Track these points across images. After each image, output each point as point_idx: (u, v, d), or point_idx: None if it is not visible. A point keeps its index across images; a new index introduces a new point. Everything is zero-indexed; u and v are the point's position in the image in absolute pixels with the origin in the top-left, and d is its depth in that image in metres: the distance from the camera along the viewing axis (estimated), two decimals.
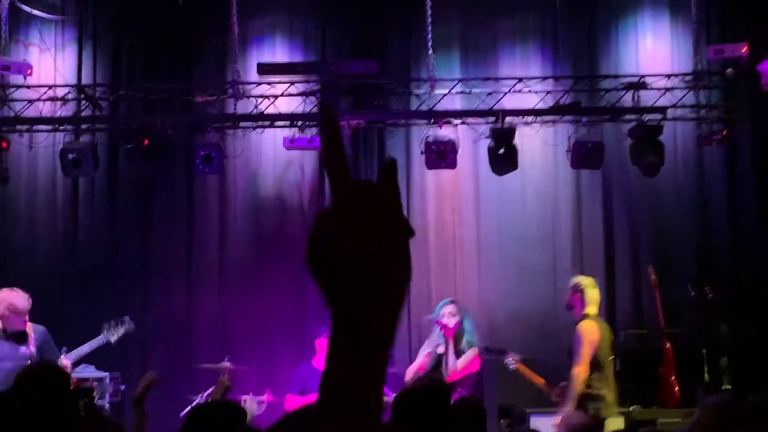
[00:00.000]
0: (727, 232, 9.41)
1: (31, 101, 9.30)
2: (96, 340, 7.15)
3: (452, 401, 5.27)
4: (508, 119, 9.00)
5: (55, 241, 9.79)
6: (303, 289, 9.50)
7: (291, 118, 9.27)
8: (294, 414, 1.75)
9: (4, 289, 6.89)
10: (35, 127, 9.37)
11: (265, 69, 9.32)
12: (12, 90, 9.40)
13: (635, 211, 9.56)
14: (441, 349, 7.22)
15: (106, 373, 8.65)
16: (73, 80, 9.68)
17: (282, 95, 9.31)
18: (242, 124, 9.40)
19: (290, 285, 9.49)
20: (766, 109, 8.78)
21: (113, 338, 7.22)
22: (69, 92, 9.43)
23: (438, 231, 9.69)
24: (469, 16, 9.75)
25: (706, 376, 8.29)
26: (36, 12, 9.60)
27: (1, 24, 9.20)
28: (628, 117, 9.12)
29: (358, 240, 1.35)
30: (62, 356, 6.86)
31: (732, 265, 9.26)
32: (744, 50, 8.72)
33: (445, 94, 9.23)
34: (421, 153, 9.05)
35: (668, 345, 8.54)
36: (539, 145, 9.32)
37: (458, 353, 7.02)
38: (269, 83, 9.34)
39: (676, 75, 9.26)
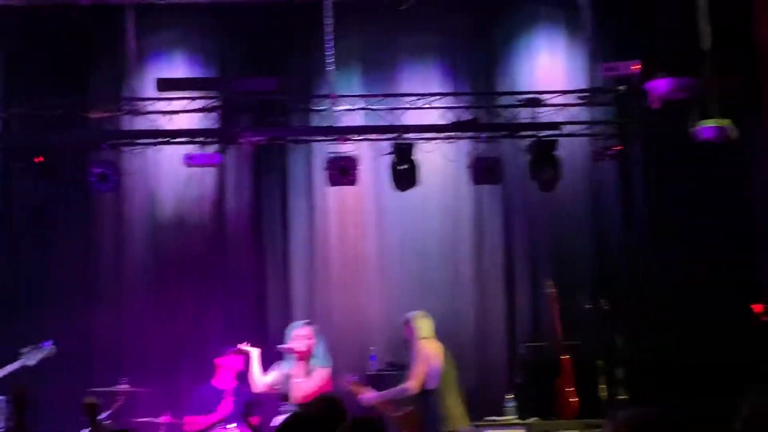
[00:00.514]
0: (621, 245, 9.63)
1: None
2: (14, 363, 6.95)
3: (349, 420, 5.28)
4: (408, 135, 9.06)
5: None
6: (203, 308, 9.40)
7: (190, 134, 9.15)
8: None
9: None
10: None
11: (164, 85, 9.18)
12: None
13: (534, 225, 9.72)
14: (294, 369, 7.21)
15: (2, 397, 8.40)
16: None
17: (181, 111, 9.18)
18: (140, 140, 9.24)
19: (190, 304, 9.38)
20: (657, 125, 9.03)
21: (32, 362, 7.02)
22: None
23: (340, 248, 9.69)
24: (369, 32, 9.78)
25: (602, 387, 8.47)
26: None
27: None
28: (525, 133, 9.26)
29: None
30: None
31: (627, 277, 9.47)
32: (636, 68, 8.95)
33: (347, 110, 9.25)
34: (324, 170, 9.04)
35: (566, 357, 8.70)
36: (440, 161, 9.38)
37: (307, 374, 6.99)
38: (167, 99, 9.20)
39: (571, 92, 9.45)
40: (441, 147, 9.28)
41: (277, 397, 7.26)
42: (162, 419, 8.17)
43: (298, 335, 7.13)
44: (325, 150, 9.15)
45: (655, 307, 9.10)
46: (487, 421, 8.33)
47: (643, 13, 9.36)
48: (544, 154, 9.06)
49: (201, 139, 9.15)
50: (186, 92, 9.24)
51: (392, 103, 9.30)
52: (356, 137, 9.18)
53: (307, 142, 9.56)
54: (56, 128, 9.01)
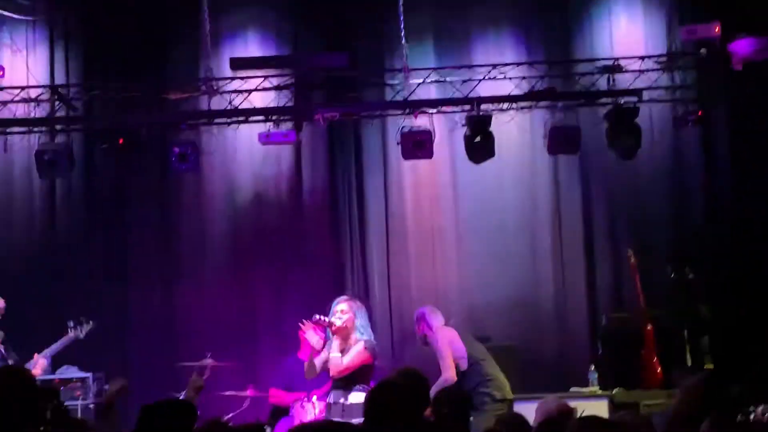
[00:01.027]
0: (705, 212, 9.41)
1: (4, 103, 9.25)
2: (66, 338, 7.13)
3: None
4: (483, 107, 8.96)
5: (32, 243, 9.75)
6: (282, 282, 9.50)
7: (265, 113, 9.22)
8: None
9: None
10: (9, 130, 9.30)
11: (238, 64, 9.28)
12: None
13: (613, 195, 9.56)
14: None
15: (89, 374, 8.63)
16: (45, 81, 9.62)
17: (256, 90, 9.26)
18: (217, 120, 9.35)
19: (270, 279, 9.48)
20: (740, 87, 8.77)
21: (81, 334, 7.21)
22: (42, 93, 9.37)
23: (416, 221, 9.68)
24: (441, 3, 9.72)
25: (688, 356, 8.31)
26: (6, 13, 9.54)
27: None
28: (603, 101, 9.09)
29: None
30: (36, 355, 6.85)
31: (711, 245, 9.25)
32: (716, 30, 8.71)
33: (420, 84, 9.20)
34: (397, 144, 9.00)
35: (649, 327, 8.55)
36: (515, 131, 9.29)
37: (345, 349, 6.75)
38: (243, 78, 9.29)
39: (650, 57, 9.23)
40: (516, 117, 9.17)
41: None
42: (247, 392, 8.29)
43: (337, 310, 7.00)
44: (398, 124, 9.10)
45: (740, 274, 8.87)
46: (571, 392, 8.22)
47: None
48: (623, 122, 8.88)
49: (276, 117, 9.20)
50: (260, 71, 9.31)
51: (466, 74, 9.21)
52: (430, 110, 9.12)
53: (380, 116, 9.55)
54: (136, 110, 9.17)
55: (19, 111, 9.29)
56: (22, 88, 9.31)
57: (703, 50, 8.95)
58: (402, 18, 8.99)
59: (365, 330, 6.83)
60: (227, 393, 8.23)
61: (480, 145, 8.92)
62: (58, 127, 9.29)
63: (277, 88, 9.32)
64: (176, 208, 9.83)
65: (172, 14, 9.75)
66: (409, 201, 9.70)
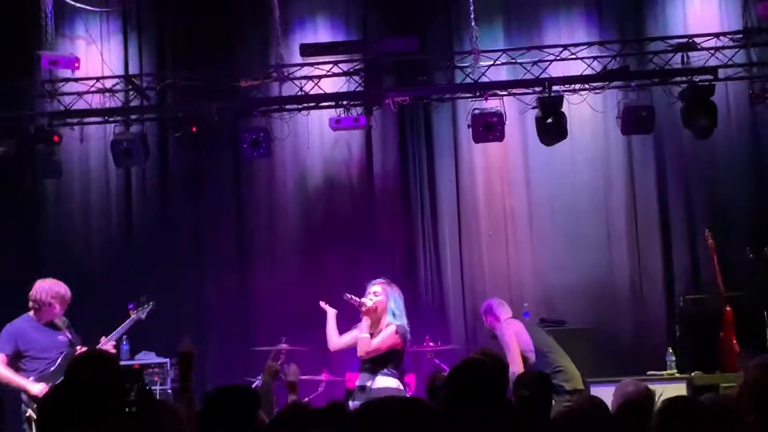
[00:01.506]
0: None
1: (80, 94, 9.41)
2: (128, 321, 7.26)
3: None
4: (555, 88, 8.86)
5: (109, 231, 9.96)
6: (354, 266, 9.52)
7: (336, 98, 9.25)
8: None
9: (48, 280, 7.01)
10: (85, 120, 9.49)
11: (308, 50, 9.32)
12: (61, 84, 9.52)
13: (689, 175, 9.40)
14: (366, 329, 6.87)
15: (167, 359, 8.79)
16: (120, 71, 9.79)
17: (326, 76, 9.30)
18: (288, 106, 9.41)
19: (342, 263, 9.52)
20: None
21: (143, 315, 7.32)
22: (117, 83, 9.53)
23: (488, 204, 9.64)
24: None
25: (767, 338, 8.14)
26: (80, 5, 9.70)
27: (47, 19, 9.31)
28: (678, 79, 8.93)
29: None
30: (102, 338, 6.99)
31: None
32: None
33: (490, 66, 9.13)
34: (468, 126, 8.95)
35: (728, 309, 8.40)
36: (588, 112, 9.17)
37: (377, 333, 6.66)
38: (312, 65, 9.33)
39: (725, 34, 9.03)
40: (589, 98, 9.05)
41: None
42: (322, 376, 8.36)
43: (370, 292, 6.93)
44: (469, 107, 9.05)
45: None
46: (648, 375, 8.13)
47: None
48: (698, 101, 8.70)
49: (346, 102, 9.22)
50: (330, 56, 9.33)
51: (537, 55, 9.11)
52: (501, 92, 9.05)
53: (451, 99, 9.51)
54: (208, 98, 9.26)
55: (95, 101, 9.45)
56: (97, 78, 9.48)
57: None
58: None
59: (399, 315, 6.71)
60: (302, 377, 8.27)
61: (552, 126, 8.83)
62: (132, 116, 9.43)
63: (347, 73, 9.33)
64: (249, 195, 9.93)
65: (242, 2, 9.83)
66: (481, 184, 9.66)
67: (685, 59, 8.95)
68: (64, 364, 6.81)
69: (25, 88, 9.54)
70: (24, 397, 6.70)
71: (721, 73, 8.88)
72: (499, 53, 9.19)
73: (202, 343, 9.42)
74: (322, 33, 9.87)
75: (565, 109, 8.81)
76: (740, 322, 8.37)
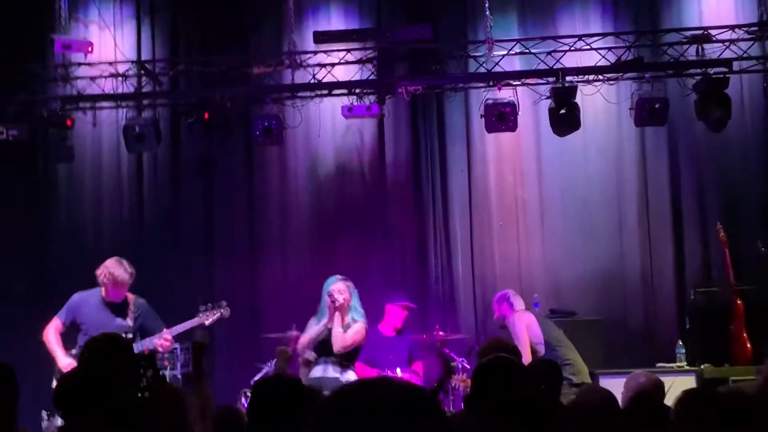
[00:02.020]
0: None
1: (93, 79, 9.42)
2: (192, 320, 7.21)
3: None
4: (568, 78, 8.84)
5: (120, 216, 9.97)
6: (365, 255, 9.54)
7: (348, 86, 9.24)
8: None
9: (112, 259, 7.02)
10: (98, 104, 9.50)
11: (321, 38, 9.30)
12: (74, 68, 9.53)
13: (702, 167, 9.37)
14: (330, 323, 7.18)
15: (177, 345, 8.79)
16: (132, 56, 9.78)
17: (339, 63, 9.28)
18: (300, 94, 9.40)
19: (353, 251, 9.52)
20: None
21: (207, 321, 7.27)
22: (129, 68, 9.53)
23: (500, 194, 9.62)
24: None
25: None
26: None
27: (61, 3, 9.32)
28: (692, 71, 8.90)
29: None
30: (164, 329, 6.95)
31: None
32: None
33: (504, 56, 9.10)
34: (481, 116, 8.94)
35: (739, 302, 8.39)
36: (601, 103, 9.15)
37: (345, 327, 7.04)
38: (326, 52, 9.31)
39: (740, 26, 8.99)
40: (602, 89, 9.03)
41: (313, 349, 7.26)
42: None
43: (336, 289, 7.17)
44: (482, 96, 9.03)
45: None
46: (657, 367, 8.13)
47: None
48: (712, 93, 8.67)
49: (359, 90, 9.21)
50: (343, 44, 9.32)
51: (551, 45, 9.09)
52: (514, 82, 9.03)
53: (464, 89, 9.49)
54: (220, 84, 9.27)
55: (107, 86, 9.45)
56: (110, 63, 9.48)
57: None
58: None
59: (359, 310, 7.13)
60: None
61: (565, 117, 8.81)
62: (145, 101, 9.44)
63: (360, 61, 9.32)
64: (260, 182, 9.93)
65: None
66: (492, 174, 9.65)
67: (700, 51, 8.92)
68: None
69: (39, 73, 9.56)
70: (56, 368, 6.74)
71: (736, 65, 8.84)
72: (513, 43, 9.17)
73: (212, 330, 9.45)
74: (335, 20, 9.85)
75: (578, 99, 8.79)
76: (751, 315, 8.36)
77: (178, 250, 9.73)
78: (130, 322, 6.92)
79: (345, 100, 9.21)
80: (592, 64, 8.96)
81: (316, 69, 9.29)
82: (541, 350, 7.37)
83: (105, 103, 9.48)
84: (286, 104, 9.47)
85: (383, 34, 9.50)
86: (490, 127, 8.96)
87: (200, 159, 9.84)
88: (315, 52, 9.35)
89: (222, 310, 7.37)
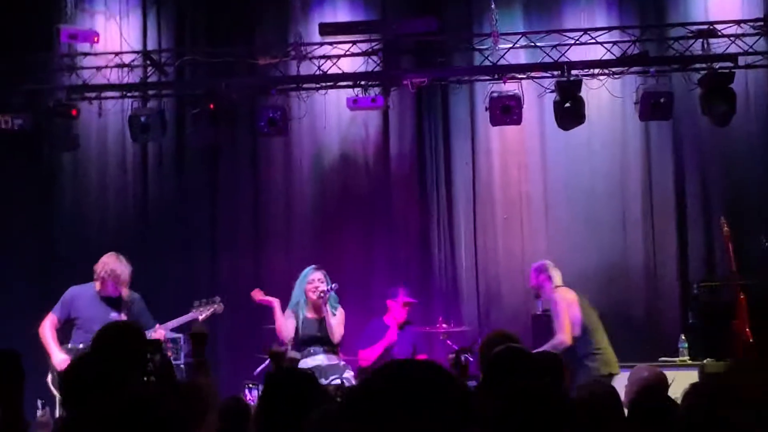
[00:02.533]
0: None
1: (98, 68, 9.42)
2: (186, 315, 7.25)
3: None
4: (573, 72, 8.86)
5: (125, 206, 9.98)
6: (369, 247, 9.56)
7: (353, 78, 9.25)
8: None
9: (111, 254, 7.06)
10: (103, 94, 9.50)
11: (326, 29, 9.30)
12: (80, 58, 9.54)
13: (706, 162, 9.38)
14: (311, 315, 7.35)
15: (180, 335, 8.82)
16: (138, 46, 9.78)
17: (344, 55, 9.29)
18: (305, 85, 9.41)
19: (356, 244, 9.55)
20: None
21: (201, 316, 7.31)
22: (135, 59, 9.54)
23: (504, 187, 9.63)
24: None
25: None
26: None
27: None
28: (697, 66, 8.90)
29: None
30: (157, 325, 6.99)
31: None
32: None
33: (509, 49, 9.11)
34: (486, 109, 8.95)
35: (742, 296, 8.39)
36: (606, 97, 9.15)
37: (332, 315, 7.35)
38: (331, 44, 9.32)
39: (746, 21, 8.99)
40: (607, 83, 9.03)
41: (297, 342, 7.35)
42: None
43: (317, 278, 7.28)
44: (487, 89, 9.04)
45: None
46: (660, 361, 8.14)
47: None
48: (717, 88, 8.68)
49: (364, 82, 9.22)
50: (348, 36, 9.32)
51: (556, 39, 9.09)
52: (519, 75, 9.04)
53: (469, 81, 9.50)
54: (226, 75, 9.27)
55: (113, 76, 9.46)
56: (116, 53, 9.49)
57: None
58: None
59: (335, 296, 7.43)
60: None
61: (570, 110, 8.83)
62: (150, 92, 9.45)
63: (366, 53, 9.32)
64: (265, 173, 9.94)
65: None
66: (497, 167, 9.65)
67: (705, 46, 8.91)
68: None
69: (44, 62, 9.56)
70: (51, 364, 6.78)
71: (741, 60, 8.85)
72: (519, 36, 9.17)
73: (216, 319, 9.47)
74: (341, 12, 9.84)
75: (583, 93, 8.80)
76: (753, 310, 8.36)
77: (182, 241, 9.75)
78: (124, 316, 6.96)
79: (350, 92, 9.22)
80: (597, 57, 8.97)
81: (322, 61, 9.29)
82: (577, 331, 7.36)
83: (110, 93, 9.49)
84: (292, 95, 9.48)
85: (389, 26, 9.50)
86: (495, 121, 8.97)
87: (205, 150, 9.84)
88: (320, 44, 9.36)
89: (216, 305, 7.42)
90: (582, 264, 9.24)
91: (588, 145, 9.44)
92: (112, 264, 6.97)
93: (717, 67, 8.73)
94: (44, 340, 6.82)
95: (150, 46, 9.88)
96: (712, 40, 8.91)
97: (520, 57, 9.28)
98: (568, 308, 7.36)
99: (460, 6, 9.73)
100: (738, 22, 8.95)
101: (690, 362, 8.26)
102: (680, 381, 6.82)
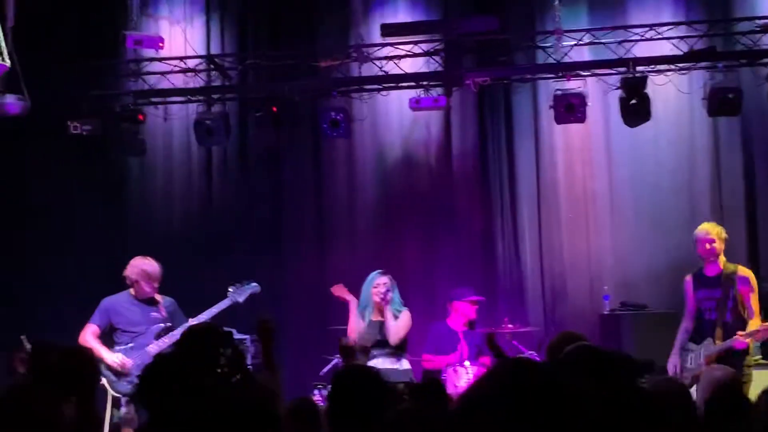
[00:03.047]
0: None
1: (163, 74, 9.56)
2: (223, 302, 7.31)
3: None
4: (639, 68, 8.72)
5: (190, 209, 10.10)
6: (432, 248, 9.54)
7: (415, 79, 9.24)
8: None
9: (138, 257, 7.18)
10: (169, 99, 9.64)
11: (388, 30, 9.31)
12: (145, 64, 9.69)
13: None
14: (375, 317, 7.32)
15: (247, 336, 8.89)
16: (202, 51, 9.90)
17: (406, 56, 9.28)
18: (367, 86, 9.43)
19: (420, 244, 9.54)
20: None
21: (240, 298, 7.36)
22: (199, 63, 9.65)
23: (568, 186, 9.54)
24: None
25: None
26: None
27: (132, 0, 9.47)
28: (766, 60, 8.71)
29: None
30: (189, 319, 7.08)
31: None
32: None
33: (573, 46, 9.01)
34: (550, 107, 8.87)
35: None
36: (672, 93, 9.00)
37: (395, 318, 7.27)
38: (393, 44, 9.32)
39: None
40: (674, 79, 8.88)
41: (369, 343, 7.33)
42: None
43: (383, 282, 7.28)
44: (550, 87, 8.97)
45: None
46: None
47: None
48: None
49: (426, 82, 9.21)
50: (410, 36, 9.31)
51: (621, 35, 8.97)
52: (583, 73, 8.93)
53: (532, 80, 9.42)
54: (288, 78, 9.33)
55: (178, 81, 9.60)
56: (180, 58, 9.62)
57: None
58: None
59: (400, 300, 7.38)
60: None
61: (635, 107, 8.70)
62: (214, 96, 9.56)
63: (427, 53, 9.31)
64: (328, 175, 9.98)
65: None
66: (561, 166, 9.56)
67: None
68: (149, 338, 6.97)
69: (111, 68, 9.73)
70: (102, 366, 6.87)
71: None
72: (583, 33, 9.07)
73: (281, 321, 9.52)
74: (402, 13, 9.84)
75: (649, 90, 8.67)
76: None
77: (247, 243, 9.83)
78: (163, 313, 7.08)
79: (412, 93, 9.20)
80: (663, 53, 8.83)
81: (383, 62, 9.30)
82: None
83: (175, 98, 9.62)
84: (354, 97, 9.51)
85: (450, 26, 9.46)
86: (560, 119, 8.89)
87: (268, 152, 9.92)
88: (382, 45, 9.36)
89: (252, 287, 7.43)
90: (649, 263, 9.12)
91: (654, 143, 9.30)
92: (141, 264, 7.10)
93: None
94: (90, 345, 6.92)
95: (213, 51, 9.99)
96: None
97: (584, 54, 9.18)
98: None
99: (522, 4, 9.66)
100: None
101: (762, 361, 8.06)
102: (755, 382, 6.73)
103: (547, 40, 9.13)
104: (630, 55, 8.81)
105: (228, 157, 10.12)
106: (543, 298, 9.41)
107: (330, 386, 3.93)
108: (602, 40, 8.99)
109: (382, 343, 7.27)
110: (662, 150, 9.34)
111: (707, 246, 7.11)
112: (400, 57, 9.28)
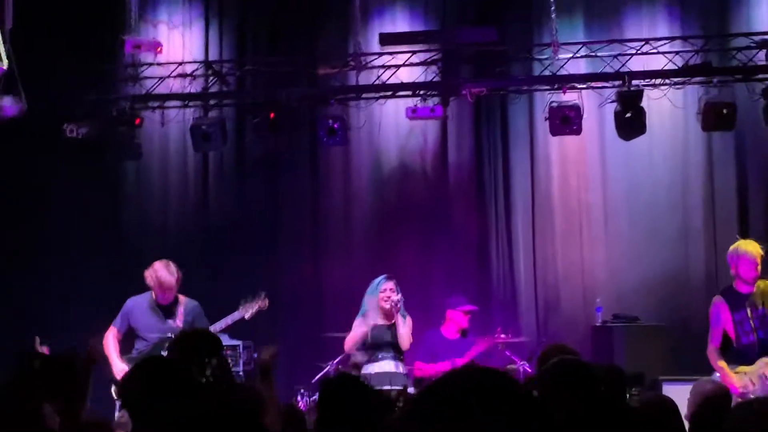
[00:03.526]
0: None
1: (161, 78, 9.58)
2: (232, 315, 7.32)
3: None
4: (634, 82, 8.78)
5: (186, 214, 10.12)
6: (427, 256, 9.56)
7: (413, 88, 9.28)
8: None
9: (159, 261, 7.16)
10: (166, 104, 9.66)
11: (387, 39, 9.36)
12: (143, 68, 9.71)
13: None
14: (381, 321, 7.37)
15: (239, 342, 8.89)
16: (200, 56, 9.94)
17: (403, 65, 9.33)
18: (365, 95, 9.47)
19: (415, 252, 9.56)
20: None
21: (247, 314, 7.38)
22: (197, 68, 9.68)
23: (563, 198, 9.58)
24: None
25: None
26: None
27: (131, 4, 9.50)
28: (761, 76, 8.77)
29: None
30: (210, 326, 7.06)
31: None
32: None
33: (569, 59, 9.06)
34: (545, 119, 8.92)
35: None
36: (667, 107, 9.05)
37: (402, 323, 7.37)
38: (391, 53, 9.36)
39: None
40: (669, 93, 8.93)
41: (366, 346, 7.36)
42: None
43: (389, 287, 7.27)
44: (546, 99, 9.02)
45: None
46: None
47: None
48: None
49: (423, 92, 9.25)
50: (408, 46, 9.36)
51: (617, 49, 9.03)
52: (579, 85, 8.98)
53: (528, 91, 9.47)
54: (286, 85, 9.36)
55: (175, 86, 9.62)
56: (179, 63, 9.65)
57: None
58: None
59: (403, 308, 7.42)
60: None
61: (630, 121, 8.75)
62: (211, 101, 9.58)
63: (425, 63, 9.35)
64: (324, 182, 10.01)
65: None
66: (556, 177, 9.61)
67: None
68: (158, 348, 6.92)
69: (109, 72, 9.75)
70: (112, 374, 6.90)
71: None
72: (579, 46, 9.13)
73: (274, 328, 9.55)
74: (400, 22, 9.89)
75: (644, 103, 8.72)
76: None
77: (242, 248, 9.84)
78: (179, 323, 7.04)
79: (409, 102, 9.25)
80: (658, 67, 8.88)
81: (381, 70, 9.34)
82: None
83: (173, 103, 9.64)
84: (351, 105, 9.55)
85: (448, 36, 9.52)
86: (555, 130, 8.93)
87: (265, 159, 9.94)
88: (380, 54, 9.41)
89: (260, 302, 7.45)
90: (642, 275, 9.16)
91: (649, 156, 9.35)
92: (158, 270, 7.07)
93: None
94: (106, 351, 6.94)
95: (212, 57, 10.02)
96: None
97: (581, 67, 9.23)
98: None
99: (519, 16, 9.72)
100: None
101: None
102: None
103: (544, 52, 9.19)
104: (626, 69, 8.87)
105: (224, 163, 10.14)
106: (536, 309, 9.45)
107: (318, 394, 3.95)
108: (598, 54, 9.06)
109: (391, 346, 7.28)
110: (656, 164, 9.40)
111: (757, 269, 6.67)
112: (397, 66, 9.32)
